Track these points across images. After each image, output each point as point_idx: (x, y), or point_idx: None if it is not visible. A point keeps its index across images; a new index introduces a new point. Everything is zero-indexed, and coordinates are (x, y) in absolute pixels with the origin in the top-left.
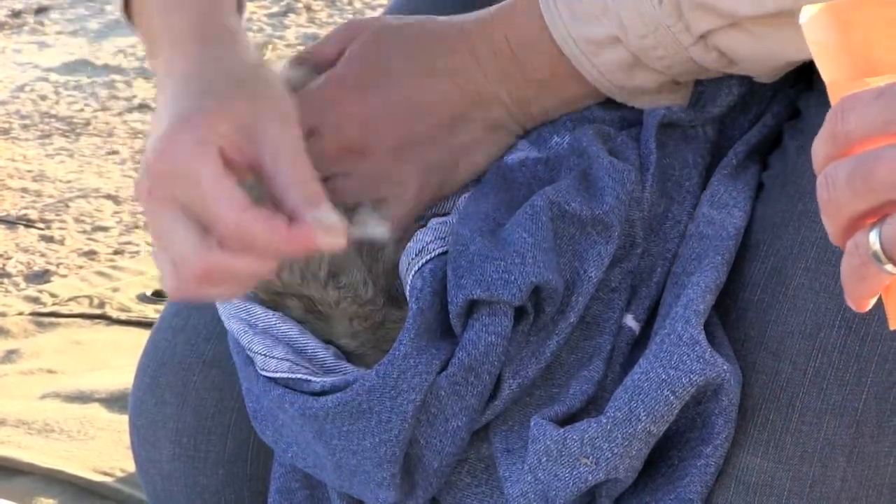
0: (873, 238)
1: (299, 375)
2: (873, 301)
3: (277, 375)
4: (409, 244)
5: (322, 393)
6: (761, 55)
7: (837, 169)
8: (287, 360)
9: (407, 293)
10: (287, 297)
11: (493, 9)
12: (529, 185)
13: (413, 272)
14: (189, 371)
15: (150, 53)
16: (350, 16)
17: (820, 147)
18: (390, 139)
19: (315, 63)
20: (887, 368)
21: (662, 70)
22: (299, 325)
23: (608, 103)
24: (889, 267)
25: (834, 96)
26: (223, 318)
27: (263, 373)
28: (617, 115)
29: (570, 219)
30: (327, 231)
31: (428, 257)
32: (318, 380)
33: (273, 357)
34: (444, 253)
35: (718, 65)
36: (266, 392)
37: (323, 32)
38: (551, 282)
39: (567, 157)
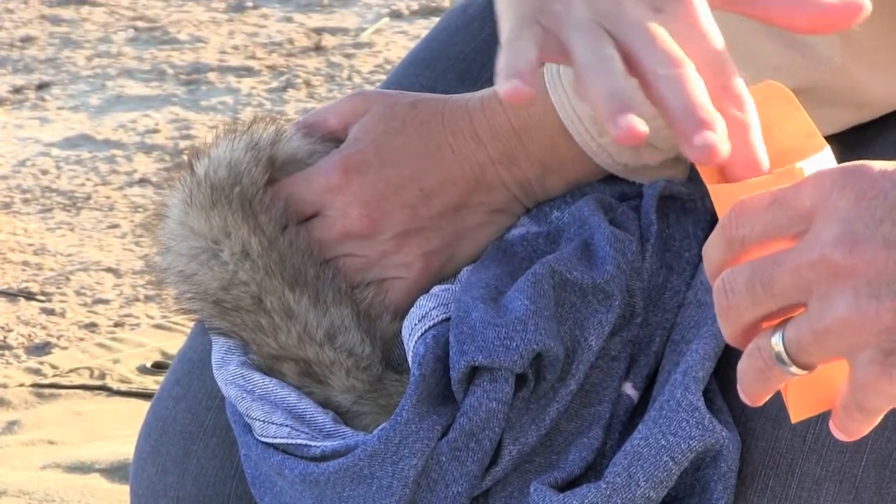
0: (776, 340)
1: (299, 441)
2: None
3: (277, 441)
4: (411, 310)
5: (322, 458)
6: None
7: (735, 275)
8: (286, 425)
9: (409, 359)
10: (283, 361)
11: (496, 89)
12: (530, 257)
13: (416, 338)
14: (190, 440)
15: None
16: (349, 91)
17: (713, 252)
18: (396, 224)
19: (317, 132)
20: (886, 436)
21: (668, 148)
22: (297, 390)
23: (609, 178)
24: (794, 368)
25: (718, 200)
26: (220, 384)
27: (262, 439)
28: (617, 189)
29: (571, 287)
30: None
31: (430, 323)
32: (318, 444)
33: (272, 423)
34: (447, 319)
35: None
36: (265, 458)
37: None
38: (552, 349)
39: (568, 227)
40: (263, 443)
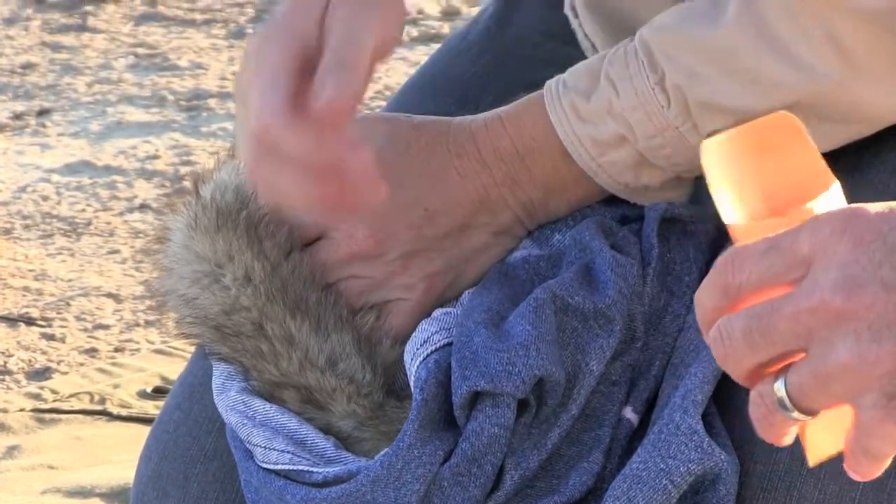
0: (778, 386)
1: (301, 467)
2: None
3: (278, 467)
4: (413, 334)
5: (325, 484)
6: None
7: (732, 323)
8: (287, 451)
9: (411, 383)
10: (284, 388)
11: (500, 111)
12: (532, 281)
13: (418, 362)
14: (191, 463)
15: None
16: None
17: (707, 299)
18: (401, 245)
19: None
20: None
21: (669, 168)
22: (297, 416)
23: (609, 200)
24: (796, 414)
25: (735, 237)
26: (221, 411)
27: (264, 465)
28: (618, 212)
29: (572, 312)
30: (338, 87)
31: (432, 348)
32: (320, 470)
33: (273, 449)
34: (449, 344)
35: None
36: (266, 484)
37: None
38: (554, 374)
39: (569, 250)
40: (265, 469)
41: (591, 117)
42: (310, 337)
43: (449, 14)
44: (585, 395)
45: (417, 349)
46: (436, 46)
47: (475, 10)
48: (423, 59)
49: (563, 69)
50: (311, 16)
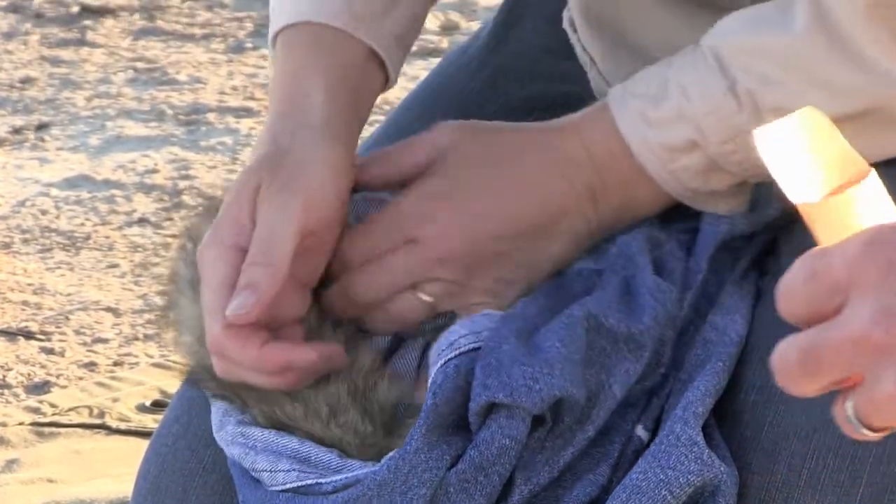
0: (848, 405)
1: (309, 481)
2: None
3: (287, 486)
4: (443, 334)
5: (334, 492)
6: None
7: (787, 353)
8: (294, 469)
9: (428, 385)
10: (294, 430)
11: (568, 120)
12: (581, 295)
13: (437, 366)
14: (189, 477)
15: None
16: None
17: (799, 290)
18: (487, 252)
19: (403, 167)
20: (881, 470)
21: (738, 172)
22: (297, 438)
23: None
24: (865, 431)
25: (811, 215)
26: (222, 445)
27: (273, 488)
28: (667, 219)
29: (605, 332)
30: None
31: (455, 353)
32: (328, 480)
33: (279, 471)
34: (475, 349)
35: None
36: (271, 500)
37: None
38: (574, 395)
39: (613, 260)
40: (272, 491)
41: (661, 123)
42: (308, 389)
43: (448, 29)
44: (604, 417)
45: (441, 351)
46: (434, 61)
47: (474, 25)
48: (422, 74)
49: (561, 84)
50: (242, 217)
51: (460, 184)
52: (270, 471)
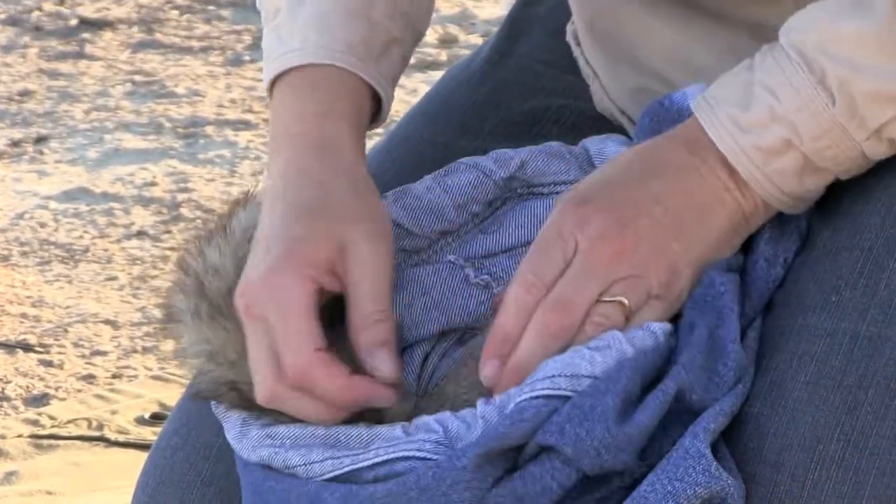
0: None
1: (345, 469)
2: None
3: (325, 476)
4: (543, 364)
5: (374, 481)
6: None
7: None
8: (327, 459)
9: (508, 410)
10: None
11: (674, 137)
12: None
13: (526, 395)
14: (187, 489)
15: (271, 143)
16: None
17: None
18: (649, 237)
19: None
20: (884, 482)
21: (833, 168)
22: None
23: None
24: None
25: None
26: (247, 454)
27: (311, 480)
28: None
29: (684, 408)
30: (380, 377)
31: (547, 392)
32: (364, 463)
33: (313, 462)
34: (566, 398)
35: (887, 154)
36: (308, 488)
37: None
38: (634, 470)
39: (703, 301)
40: (308, 479)
41: (753, 126)
42: None
43: (446, 42)
44: (644, 473)
45: (537, 380)
46: (433, 73)
47: (473, 38)
48: (421, 87)
49: (563, 98)
50: (319, 256)
51: (600, 194)
52: (304, 464)
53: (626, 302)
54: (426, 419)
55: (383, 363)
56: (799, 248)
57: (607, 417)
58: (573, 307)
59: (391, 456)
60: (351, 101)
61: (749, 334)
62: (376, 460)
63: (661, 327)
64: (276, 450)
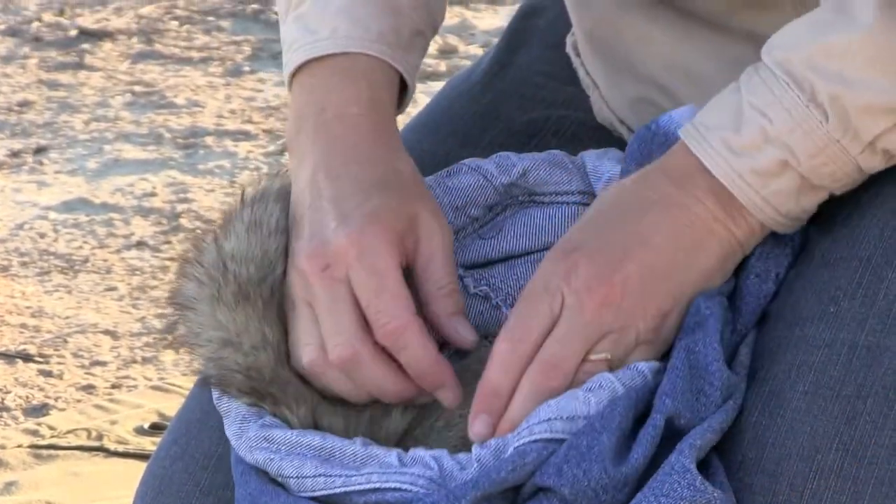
0: None
1: (336, 489)
2: None
3: (316, 494)
4: (540, 406)
5: None
6: None
7: None
8: (319, 475)
9: (507, 454)
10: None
11: (659, 169)
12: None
13: (525, 440)
14: (186, 499)
15: (298, 124)
16: None
17: None
18: (636, 283)
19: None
20: (883, 491)
21: (831, 185)
22: (319, 433)
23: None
24: None
25: None
26: (244, 454)
27: (302, 495)
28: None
29: (674, 435)
30: (462, 344)
31: (547, 436)
32: (356, 482)
33: (305, 477)
34: (561, 440)
35: (882, 166)
36: None
37: None
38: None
39: (689, 329)
40: (299, 497)
41: (747, 149)
42: (349, 407)
43: (446, 52)
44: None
45: (534, 424)
46: (433, 84)
47: (472, 48)
48: (420, 97)
49: (563, 109)
50: (396, 240)
51: (588, 240)
52: (297, 477)
53: (610, 357)
54: (422, 453)
55: (466, 329)
56: (791, 262)
57: (604, 457)
58: (561, 369)
59: (383, 485)
60: (387, 89)
61: (741, 350)
62: (367, 486)
63: (648, 366)
64: (272, 456)
